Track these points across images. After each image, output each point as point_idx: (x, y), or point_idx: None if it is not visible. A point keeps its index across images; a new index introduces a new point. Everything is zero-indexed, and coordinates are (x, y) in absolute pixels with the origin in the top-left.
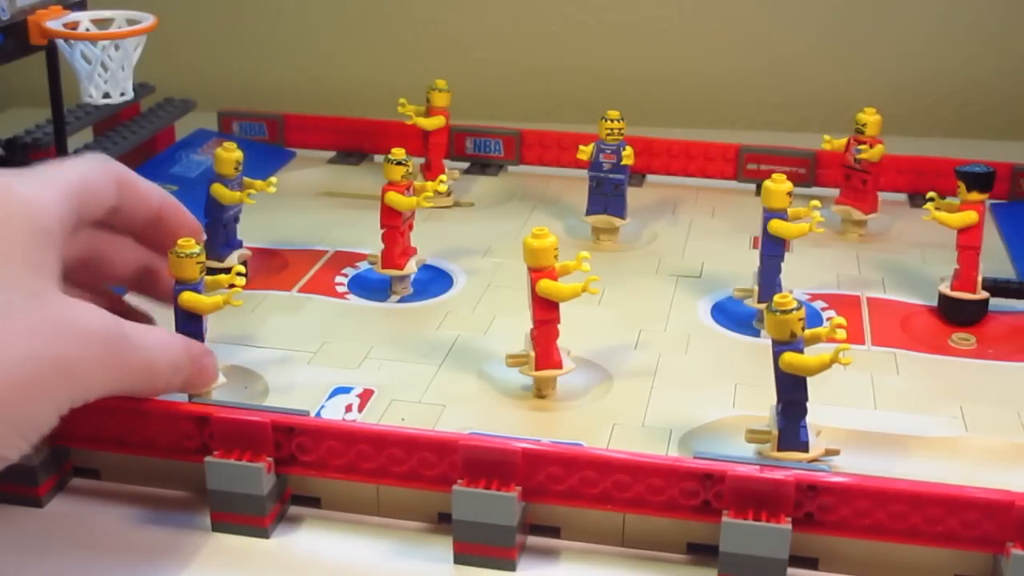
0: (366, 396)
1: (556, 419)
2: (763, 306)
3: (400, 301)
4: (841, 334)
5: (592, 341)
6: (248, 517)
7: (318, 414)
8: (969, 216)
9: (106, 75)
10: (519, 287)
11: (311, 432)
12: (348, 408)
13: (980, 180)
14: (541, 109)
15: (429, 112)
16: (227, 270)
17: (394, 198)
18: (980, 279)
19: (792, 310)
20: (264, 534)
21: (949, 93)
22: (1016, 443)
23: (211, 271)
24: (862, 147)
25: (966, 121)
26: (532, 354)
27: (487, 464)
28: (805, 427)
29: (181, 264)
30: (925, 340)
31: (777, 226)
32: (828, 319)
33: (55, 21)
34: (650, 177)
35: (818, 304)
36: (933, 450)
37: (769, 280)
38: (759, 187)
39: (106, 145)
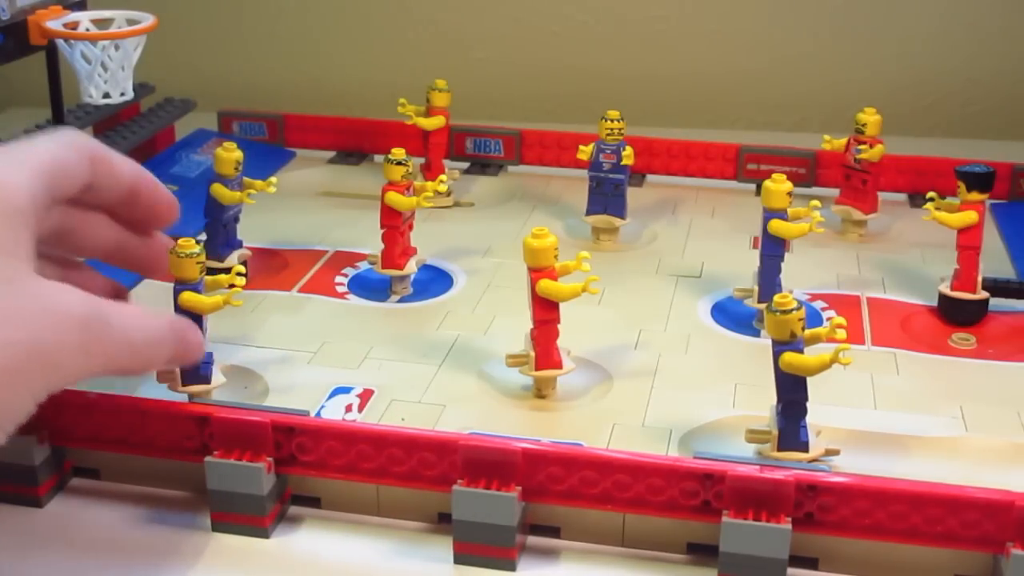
0: (366, 396)
1: (556, 419)
2: (763, 306)
3: (400, 301)
4: (841, 334)
5: (592, 341)
6: (248, 517)
7: (318, 414)
8: (969, 216)
9: (106, 75)
10: (519, 287)
11: (311, 432)
12: (348, 408)
13: (980, 180)
14: (541, 109)
15: (429, 112)
16: (227, 270)
17: (394, 198)
18: (980, 279)
19: (792, 310)
20: (264, 534)
21: (949, 93)
22: (1016, 443)
23: (211, 271)
24: (862, 147)
25: (966, 121)
26: (532, 354)
27: (487, 464)
28: (805, 427)
29: (181, 264)
30: (925, 340)
31: (777, 226)
32: (828, 319)
33: (55, 21)
34: (650, 177)
35: (818, 304)
36: (933, 450)
37: (769, 280)
38: (759, 187)
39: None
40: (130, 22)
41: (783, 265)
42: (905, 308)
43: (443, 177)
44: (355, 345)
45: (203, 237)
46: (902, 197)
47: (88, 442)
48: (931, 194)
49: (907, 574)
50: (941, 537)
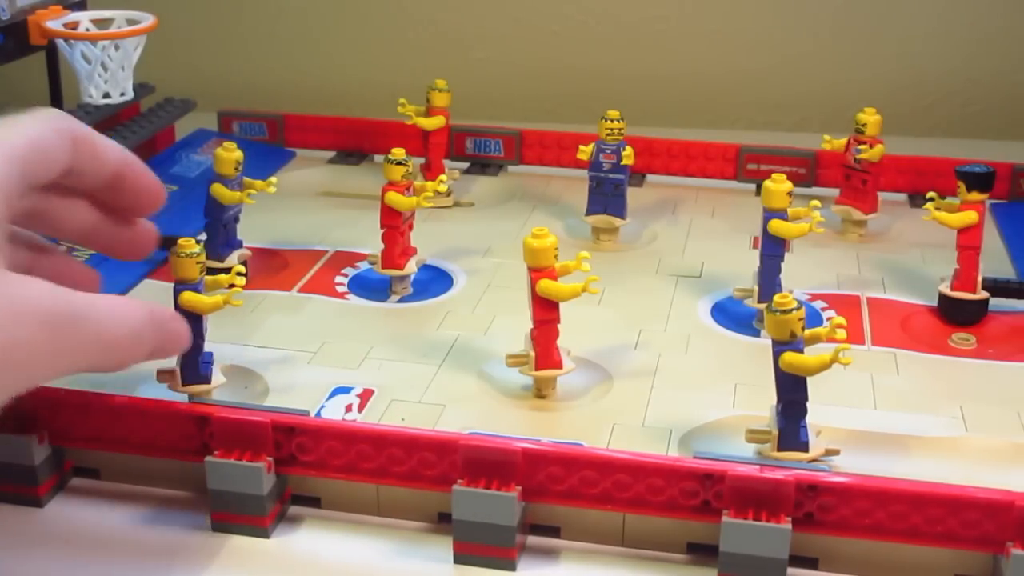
0: (366, 396)
1: (556, 419)
2: (763, 306)
3: (400, 301)
4: (841, 334)
5: (592, 341)
6: (248, 517)
7: (318, 414)
8: (969, 216)
9: (106, 75)
10: (519, 287)
11: (311, 432)
12: (348, 408)
13: (980, 180)
14: (541, 109)
15: (429, 112)
16: (227, 270)
17: (394, 198)
18: (980, 279)
19: (792, 310)
20: (264, 534)
21: (949, 93)
22: (1016, 443)
23: (211, 271)
24: (862, 147)
25: (966, 121)
26: (532, 354)
27: (487, 464)
28: (805, 427)
29: (181, 264)
30: (925, 340)
31: (777, 226)
32: (828, 319)
33: (55, 21)
34: (650, 177)
35: (818, 304)
36: (933, 450)
37: (769, 280)
38: (759, 187)
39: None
40: (130, 22)
41: (783, 265)
42: (905, 308)
43: (443, 177)
44: (355, 345)
45: (203, 237)
46: (902, 197)
47: (88, 442)
48: (931, 194)
49: (907, 574)
50: (941, 537)
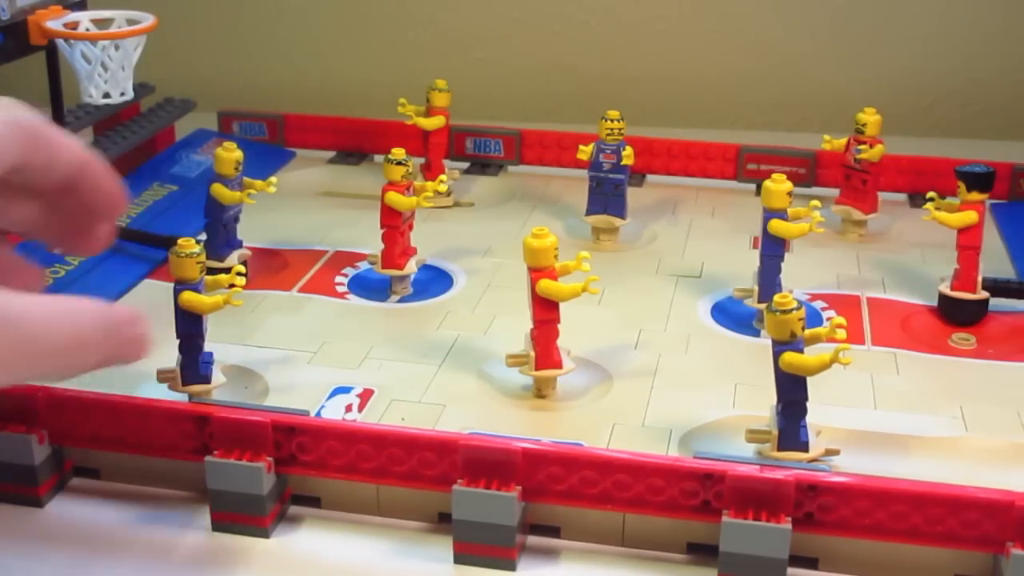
0: (366, 396)
1: (556, 419)
2: (763, 306)
3: (400, 301)
4: (841, 334)
5: (592, 341)
6: (248, 517)
7: (318, 414)
8: (969, 216)
9: (106, 75)
10: (519, 287)
11: (311, 432)
12: (348, 408)
13: (980, 180)
14: (541, 109)
15: (429, 112)
16: (227, 270)
17: (394, 198)
18: (980, 279)
19: (792, 310)
20: (264, 534)
21: (949, 93)
22: (1016, 443)
23: (211, 271)
24: (862, 147)
25: (966, 121)
26: (532, 354)
27: (487, 464)
28: (805, 427)
29: (181, 264)
30: (925, 340)
31: (777, 226)
32: (828, 319)
33: (55, 21)
34: (650, 177)
35: (818, 304)
36: (933, 450)
37: (769, 280)
38: (759, 187)
39: (106, 145)
40: (130, 22)
41: (783, 265)
42: (905, 308)
43: (443, 177)
44: (355, 345)
45: (203, 237)
46: (902, 197)
47: (88, 442)
48: (931, 194)
49: (907, 574)
50: (941, 537)
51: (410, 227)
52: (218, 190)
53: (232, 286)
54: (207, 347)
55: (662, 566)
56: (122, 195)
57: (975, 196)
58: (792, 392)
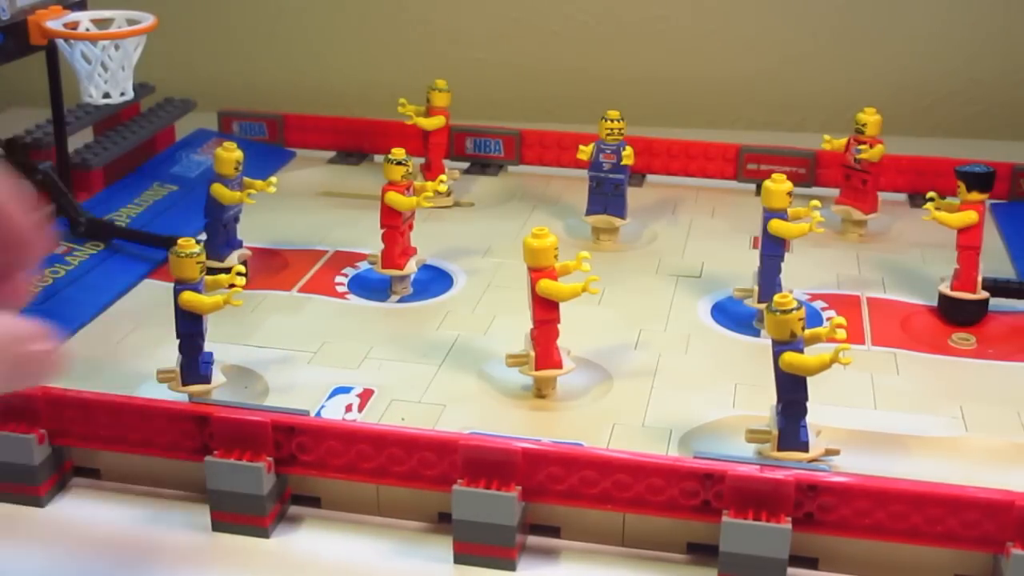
0: (366, 396)
1: (556, 419)
2: (763, 306)
3: (400, 301)
4: (841, 334)
5: (592, 341)
6: (248, 517)
7: (318, 414)
8: (969, 216)
9: (106, 75)
10: (519, 287)
11: (311, 432)
12: (348, 408)
13: (980, 180)
14: (541, 109)
15: (429, 112)
16: (227, 270)
17: (394, 198)
18: (980, 279)
19: (792, 310)
20: (264, 534)
21: (950, 93)
22: (1016, 443)
23: (211, 271)
24: (862, 147)
25: (966, 121)
26: (532, 354)
27: (487, 464)
28: (805, 427)
29: (181, 264)
30: (925, 340)
31: (777, 226)
32: (828, 319)
33: (55, 21)
34: (650, 177)
35: (818, 304)
36: (933, 450)
37: (769, 280)
38: (759, 187)
39: (106, 145)
40: (130, 22)
41: (783, 265)
42: (905, 308)
43: (443, 177)
44: (355, 345)
45: (203, 237)
46: (902, 197)
47: (88, 442)
48: (931, 194)
49: (907, 574)
50: (941, 537)
51: (410, 227)
52: (218, 190)
53: (232, 286)
54: (207, 347)
55: (662, 566)
56: (43, 244)
57: (975, 196)
58: (792, 392)
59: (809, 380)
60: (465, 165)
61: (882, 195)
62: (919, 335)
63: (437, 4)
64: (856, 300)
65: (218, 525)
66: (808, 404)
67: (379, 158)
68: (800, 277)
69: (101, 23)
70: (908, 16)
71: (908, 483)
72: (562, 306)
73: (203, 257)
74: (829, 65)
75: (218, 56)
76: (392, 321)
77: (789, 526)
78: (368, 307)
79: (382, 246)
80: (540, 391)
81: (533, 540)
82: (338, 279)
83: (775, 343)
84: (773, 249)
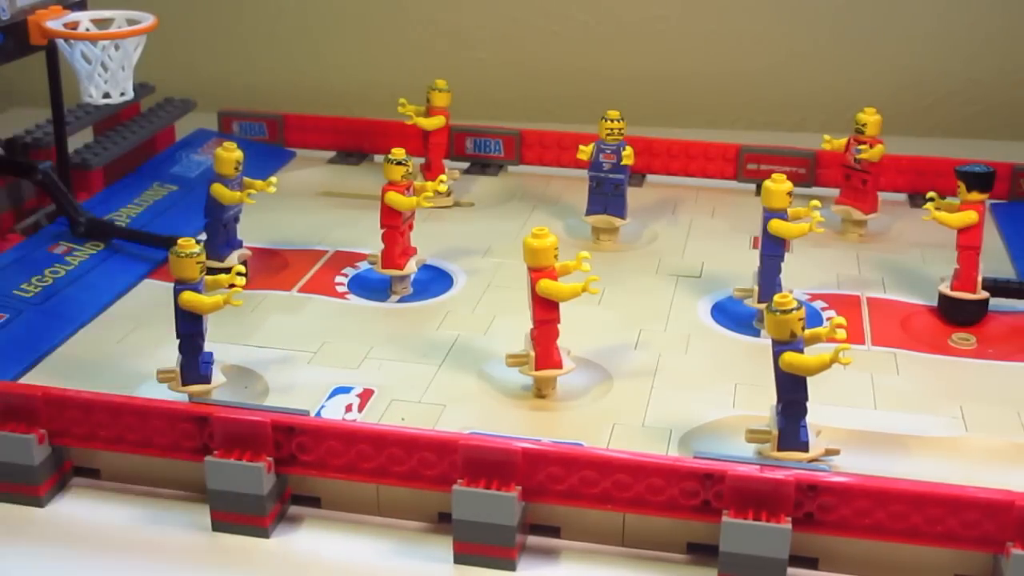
0: (366, 396)
1: (556, 419)
2: (763, 306)
3: (400, 301)
4: (841, 334)
5: (592, 341)
6: (248, 517)
7: (318, 414)
8: (969, 216)
9: (106, 75)
10: (519, 287)
11: (311, 432)
12: (348, 408)
13: (980, 180)
14: (541, 109)
15: (429, 112)
16: (227, 270)
17: (394, 198)
18: (980, 279)
19: (792, 310)
20: (264, 534)
21: (950, 93)
22: (1016, 443)
23: (211, 271)
24: (862, 147)
25: (967, 121)
26: (532, 354)
27: (487, 464)
28: (805, 427)
29: (181, 264)
30: (925, 340)
31: (777, 226)
32: (828, 319)
33: (55, 21)
34: (650, 177)
35: (818, 304)
36: (933, 450)
37: (769, 280)
38: (759, 187)
39: (106, 145)
40: (130, 22)
41: (783, 265)
42: (905, 308)
43: (443, 177)
44: (355, 345)
45: (203, 237)
46: (902, 197)
47: (88, 442)
48: (931, 194)
49: (907, 574)
50: (941, 537)
51: (410, 227)
52: (218, 190)
53: (232, 286)
54: (207, 347)
55: (662, 566)
56: None
57: (975, 196)
58: (792, 392)
59: (809, 380)
60: (465, 165)
61: (882, 195)
62: (919, 335)
63: (437, 4)
64: (856, 300)
65: (218, 525)
66: (808, 404)
67: (379, 158)
68: (800, 277)
69: (101, 23)
70: (908, 16)
71: (908, 483)
72: (562, 306)
73: (203, 257)
74: (829, 65)
75: (218, 56)
76: (392, 321)
77: (789, 526)
78: (368, 307)
79: (382, 246)
80: (540, 391)
81: (533, 540)
82: (338, 279)
83: (775, 343)
84: (773, 249)
